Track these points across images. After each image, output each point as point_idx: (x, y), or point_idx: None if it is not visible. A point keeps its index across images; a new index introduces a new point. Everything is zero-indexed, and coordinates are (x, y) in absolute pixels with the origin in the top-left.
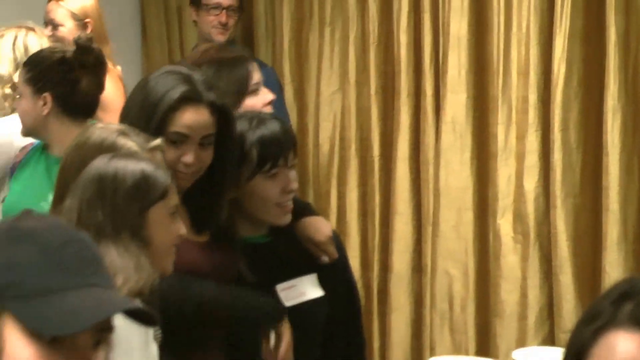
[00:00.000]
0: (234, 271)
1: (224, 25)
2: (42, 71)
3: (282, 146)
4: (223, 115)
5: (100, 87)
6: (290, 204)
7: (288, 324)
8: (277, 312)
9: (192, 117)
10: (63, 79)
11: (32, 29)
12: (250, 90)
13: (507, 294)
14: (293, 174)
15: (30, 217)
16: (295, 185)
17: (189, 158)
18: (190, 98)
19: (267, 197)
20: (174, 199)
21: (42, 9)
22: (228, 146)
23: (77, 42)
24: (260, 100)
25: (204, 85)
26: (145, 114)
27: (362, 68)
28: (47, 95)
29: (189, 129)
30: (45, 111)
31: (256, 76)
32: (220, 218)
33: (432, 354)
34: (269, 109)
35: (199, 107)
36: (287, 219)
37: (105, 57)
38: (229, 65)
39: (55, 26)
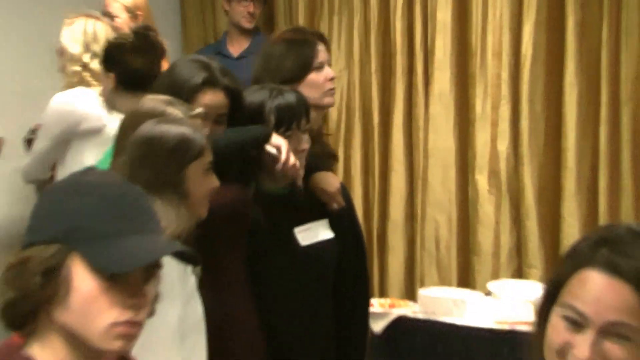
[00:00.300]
0: (248, 206)
1: (252, 15)
2: (107, 55)
3: (295, 113)
4: (235, 96)
5: (153, 65)
6: (300, 162)
7: (280, 138)
8: (264, 130)
9: (210, 98)
10: (120, 60)
11: (98, 18)
12: (315, 67)
13: (483, 236)
14: (305, 137)
15: (93, 173)
16: (305, 146)
17: (205, 132)
18: (209, 82)
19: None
20: (208, 157)
21: (97, 3)
22: (239, 120)
23: (134, 31)
24: (322, 75)
25: (220, 72)
26: (171, 94)
27: (365, 50)
28: (111, 75)
29: (207, 107)
30: (110, 86)
31: (322, 55)
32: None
33: (422, 286)
34: (330, 85)
35: (215, 90)
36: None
37: (161, 42)
38: (299, 44)
39: (111, 17)
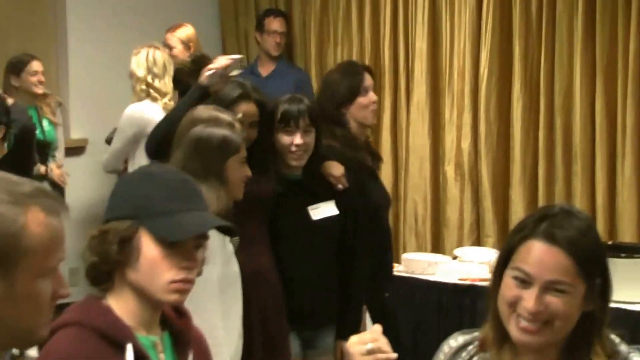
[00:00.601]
0: (269, 192)
1: (279, 44)
2: (174, 77)
3: (297, 115)
4: (264, 107)
5: None
6: (298, 154)
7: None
8: (197, 90)
9: (244, 108)
10: (181, 80)
11: (157, 47)
12: (362, 91)
13: (451, 213)
14: (303, 135)
15: (156, 165)
16: (300, 141)
17: (242, 134)
18: (243, 96)
19: (282, 145)
20: (243, 152)
21: (155, 36)
22: (265, 124)
23: (193, 58)
24: (367, 99)
25: (252, 89)
26: (216, 104)
27: None
28: (176, 91)
29: (243, 115)
30: (175, 100)
31: (367, 83)
32: (264, 161)
33: (404, 251)
34: (373, 106)
35: (248, 102)
36: (297, 163)
37: None
38: (350, 73)
39: (170, 48)
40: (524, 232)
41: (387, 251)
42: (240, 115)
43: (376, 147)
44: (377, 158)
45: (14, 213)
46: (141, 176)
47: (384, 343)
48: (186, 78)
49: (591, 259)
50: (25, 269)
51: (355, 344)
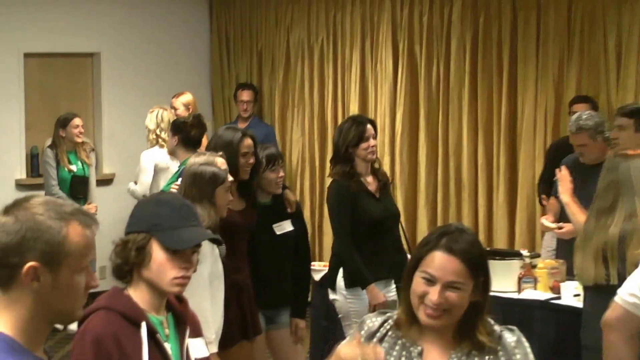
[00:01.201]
0: (254, 222)
1: (245, 110)
2: (175, 126)
3: (276, 157)
4: (255, 143)
5: (200, 136)
6: (280, 184)
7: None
8: None
9: (247, 144)
10: (184, 130)
11: (165, 109)
12: (365, 138)
13: None
14: (281, 171)
15: (164, 193)
16: (282, 174)
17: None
18: (244, 135)
19: (270, 180)
20: (228, 183)
21: (163, 99)
22: (256, 160)
23: (192, 116)
24: (368, 144)
25: (246, 130)
26: (223, 146)
27: (310, 128)
28: (176, 137)
29: (247, 148)
30: (174, 145)
31: (369, 132)
32: (253, 193)
33: None
34: (373, 149)
35: (248, 138)
36: (279, 191)
37: (205, 123)
38: (357, 123)
39: (175, 109)
40: (429, 245)
41: (400, 251)
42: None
43: (321, 182)
44: (385, 180)
45: (59, 226)
46: (153, 201)
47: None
48: (186, 129)
49: (478, 263)
50: (66, 266)
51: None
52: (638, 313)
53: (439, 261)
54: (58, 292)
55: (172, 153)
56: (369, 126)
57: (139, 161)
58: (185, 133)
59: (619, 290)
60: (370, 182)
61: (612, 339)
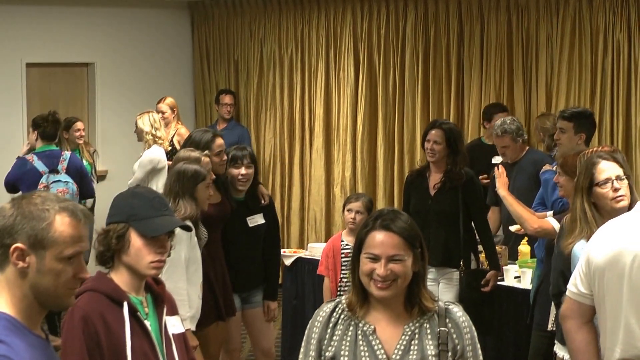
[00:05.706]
0: (229, 212)
1: (228, 112)
2: (33, 125)
3: (242, 156)
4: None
5: (57, 129)
6: (243, 180)
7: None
8: None
9: (219, 144)
10: (41, 126)
11: (152, 112)
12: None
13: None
14: (244, 169)
15: (139, 187)
16: (244, 172)
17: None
18: (215, 135)
19: (233, 176)
20: (208, 180)
21: (149, 104)
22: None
23: (49, 113)
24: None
25: (217, 132)
26: (195, 145)
27: (281, 128)
28: (36, 132)
29: (219, 147)
30: (34, 139)
31: None
32: (227, 187)
33: (309, 241)
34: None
35: (218, 137)
36: (242, 187)
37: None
38: None
39: (162, 112)
40: (368, 227)
41: None
42: (207, 152)
43: (290, 177)
44: None
45: (47, 215)
46: (129, 194)
47: None
48: (43, 125)
49: (413, 235)
50: (51, 252)
51: None
52: (585, 302)
53: (379, 239)
54: (42, 276)
55: (33, 146)
56: None
57: (140, 159)
58: (43, 128)
59: (568, 285)
60: None
61: (568, 327)
